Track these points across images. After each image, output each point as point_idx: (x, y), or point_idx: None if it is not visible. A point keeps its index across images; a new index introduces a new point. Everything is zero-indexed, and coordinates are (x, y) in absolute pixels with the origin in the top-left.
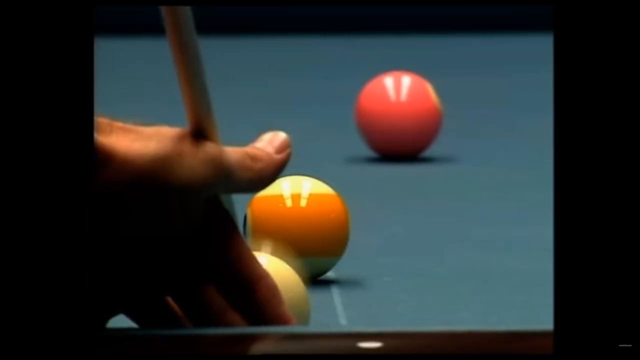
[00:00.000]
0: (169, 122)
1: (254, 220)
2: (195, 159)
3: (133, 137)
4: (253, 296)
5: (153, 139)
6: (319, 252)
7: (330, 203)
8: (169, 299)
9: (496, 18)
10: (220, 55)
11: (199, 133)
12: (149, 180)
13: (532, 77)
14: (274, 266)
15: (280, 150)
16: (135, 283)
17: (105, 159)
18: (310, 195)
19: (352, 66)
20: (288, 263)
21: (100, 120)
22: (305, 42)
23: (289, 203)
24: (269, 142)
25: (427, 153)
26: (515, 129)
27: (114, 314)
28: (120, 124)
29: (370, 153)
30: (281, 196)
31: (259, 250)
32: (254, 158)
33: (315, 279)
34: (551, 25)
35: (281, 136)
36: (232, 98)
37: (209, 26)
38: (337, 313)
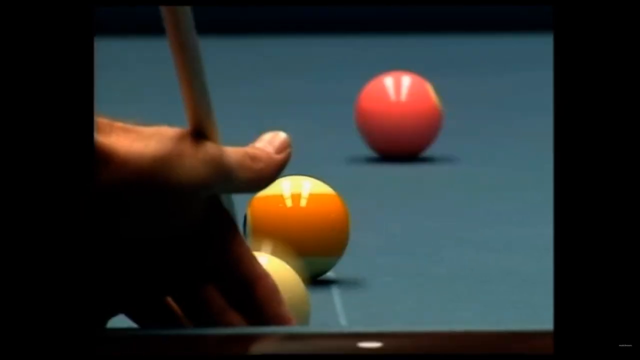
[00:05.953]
0: (169, 123)
1: (254, 220)
2: (195, 159)
3: (133, 137)
4: (253, 296)
5: (153, 138)
6: (318, 252)
7: (330, 203)
8: (169, 299)
9: (496, 18)
10: (220, 55)
11: (199, 133)
12: (149, 180)
13: (532, 77)
14: (274, 266)
15: (280, 150)
16: (136, 283)
17: (105, 158)
18: (310, 195)
19: (352, 66)
20: (288, 263)
21: (100, 120)
22: (305, 42)
23: (289, 203)
24: (269, 142)
25: (427, 153)
26: (515, 129)
27: (114, 313)
28: (120, 124)
29: (370, 153)
30: (281, 196)
31: (259, 250)
32: (253, 158)
33: (315, 279)
34: (551, 25)
35: (281, 136)
36: (232, 98)
37: (209, 26)
38: (337, 313)
